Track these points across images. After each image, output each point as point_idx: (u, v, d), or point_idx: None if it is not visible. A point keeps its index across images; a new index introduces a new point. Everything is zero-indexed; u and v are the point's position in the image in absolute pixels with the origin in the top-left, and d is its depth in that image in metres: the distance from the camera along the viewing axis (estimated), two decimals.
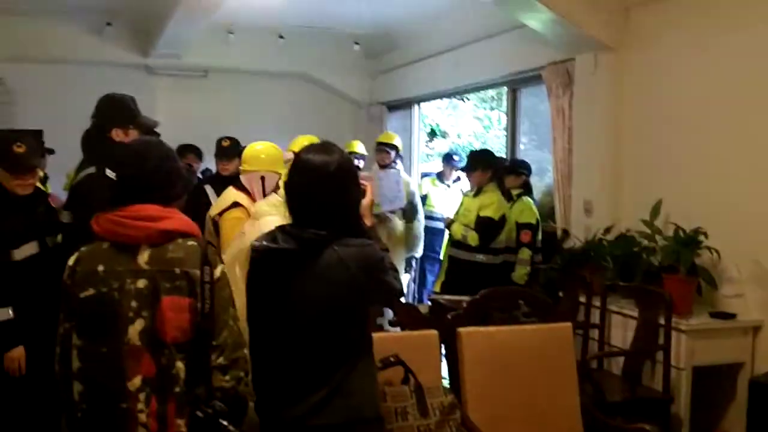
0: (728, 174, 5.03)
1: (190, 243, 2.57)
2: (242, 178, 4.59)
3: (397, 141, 7.89)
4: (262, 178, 4.49)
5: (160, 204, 2.59)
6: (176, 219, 2.62)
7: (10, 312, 3.84)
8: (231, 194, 4.54)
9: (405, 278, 7.11)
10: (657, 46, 5.65)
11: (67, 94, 8.81)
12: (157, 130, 4.43)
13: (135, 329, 2.47)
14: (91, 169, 3.95)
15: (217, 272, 2.57)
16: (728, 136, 5.04)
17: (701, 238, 4.82)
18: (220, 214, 4.44)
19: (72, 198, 4.02)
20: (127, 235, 2.53)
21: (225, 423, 2.49)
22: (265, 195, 4.45)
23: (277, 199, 3.90)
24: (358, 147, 8.06)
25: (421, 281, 8.46)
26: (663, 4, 5.61)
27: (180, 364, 2.49)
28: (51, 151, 6.87)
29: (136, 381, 2.46)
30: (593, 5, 5.87)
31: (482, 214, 6.16)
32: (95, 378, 2.50)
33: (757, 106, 4.86)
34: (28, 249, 3.97)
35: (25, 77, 9.43)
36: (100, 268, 2.52)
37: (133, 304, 2.49)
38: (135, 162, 2.64)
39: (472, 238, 6.16)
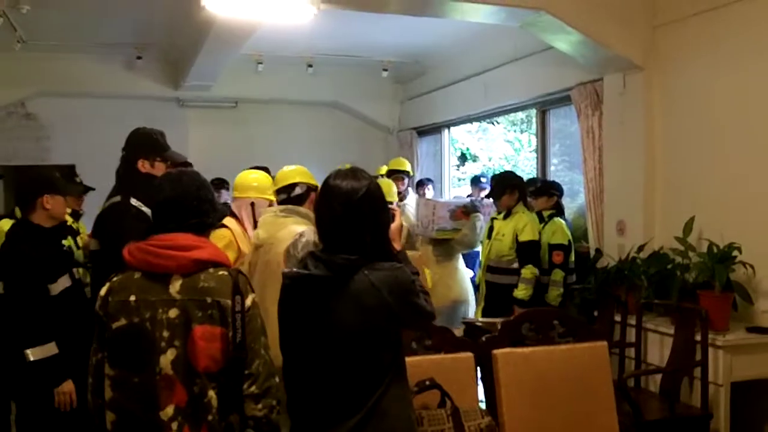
0: (760, 189, 4.98)
1: (222, 272, 2.60)
2: (233, 204, 4.77)
3: (408, 167, 7.93)
4: (252, 204, 4.67)
5: (194, 233, 2.64)
6: (208, 248, 2.65)
7: (54, 347, 3.85)
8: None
9: None
10: (685, 65, 5.64)
11: (99, 128, 9.00)
12: (189, 161, 4.52)
13: (167, 359, 2.51)
14: (116, 198, 4.05)
15: (248, 302, 2.60)
16: (758, 151, 5.00)
17: (735, 253, 4.79)
18: None
19: (98, 226, 4.11)
20: (159, 265, 2.56)
21: None
22: (255, 221, 4.59)
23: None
24: (408, 166, 8.02)
25: None
26: (690, 23, 5.59)
27: (212, 393, 2.52)
28: (91, 188, 6.92)
29: (169, 410, 2.49)
30: (621, 25, 5.86)
31: (522, 238, 6.11)
32: (128, 408, 2.53)
33: None
34: (63, 282, 4.01)
35: (57, 112, 9.65)
36: (132, 298, 2.55)
37: (165, 333, 2.52)
38: (172, 188, 2.68)
39: (530, 271, 6.05)
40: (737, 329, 4.84)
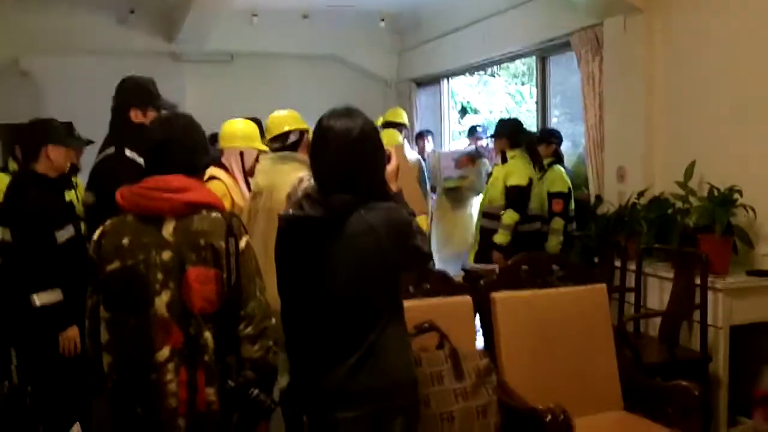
0: (762, 132, 4.93)
1: (215, 215, 2.61)
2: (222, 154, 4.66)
3: (404, 118, 7.55)
4: (241, 154, 4.58)
5: (185, 174, 2.62)
6: (200, 190, 2.66)
7: (60, 293, 3.88)
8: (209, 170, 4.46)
9: None
10: (686, 5, 5.55)
11: (94, 85, 8.80)
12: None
13: (162, 300, 2.52)
14: (110, 150, 4.04)
15: (242, 244, 2.61)
16: (760, 91, 4.94)
17: (736, 196, 4.75)
18: None
19: (93, 178, 4.09)
20: (152, 207, 2.56)
21: (256, 391, 2.57)
22: (244, 171, 4.56)
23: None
24: (404, 117, 7.66)
25: None
26: None
27: (208, 334, 2.54)
28: (90, 141, 6.86)
29: (165, 351, 2.51)
30: None
31: (509, 183, 6.12)
32: (124, 350, 2.56)
33: None
34: (68, 231, 4.03)
35: (51, 70, 9.51)
36: (125, 240, 2.56)
37: (159, 275, 2.53)
38: (163, 130, 2.70)
39: (510, 217, 6.08)
40: (737, 273, 4.81)
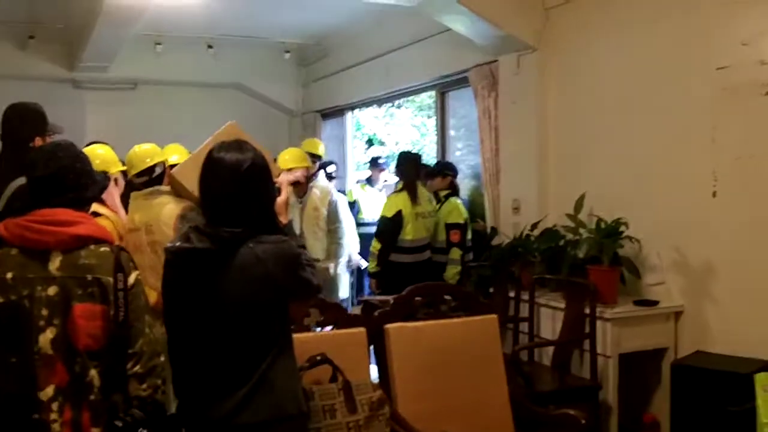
0: (646, 165, 5.17)
1: (103, 249, 2.55)
2: None
3: (321, 150, 7.31)
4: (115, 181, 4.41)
5: (72, 208, 2.57)
6: (89, 224, 2.60)
7: None
8: None
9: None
10: (577, 45, 5.78)
11: None
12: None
13: (46, 337, 2.44)
14: (21, 180, 3.91)
15: (131, 279, 2.57)
16: (645, 127, 5.18)
17: (622, 228, 4.94)
18: None
19: (5, 210, 3.96)
20: (37, 240, 2.49)
21: (144, 431, 2.50)
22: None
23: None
24: (321, 149, 7.37)
25: (359, 286, 8.47)
26: (581, 4, 5.75)
27: (94, 372, 2.47)
28: None
29: (49, 390, 2.43)
30: (514, 6, 5.98)
31: (381, 213, 6.43)
32: (6, 388, 2.45)
33: (671, 98, 5.00)
34: None
35: None
36: (9, 275, 2.47)
37: (44, 311, 2.45)
38: (47, 164, 2.59)
39: (373, 245, 6.41)
40: (625, 302, 4.99)
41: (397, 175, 6.53)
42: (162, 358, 2.61)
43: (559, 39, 5.95)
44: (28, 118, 4.06)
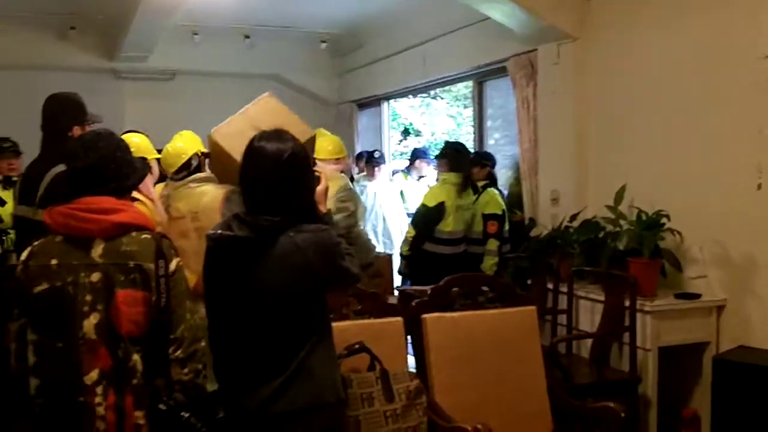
0: (689, 156, 5.09)
1: (145, 236, 2.58)
2: None
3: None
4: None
5: (114, 196, 2.60)
6: (130, 212, 2.63)
7: None
8: None
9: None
10: (617, 33, 5.70)
11: (32, 101, 8.70)
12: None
13: (90, 323, 2.48)
14: (60, 167, 3.93)
15: (172, 266, 2.58)
16: (688, 118, 5.10)
17: (663, 220, 4.87)
18: None
19: (47, 198, 3.99)
20: (81, 228, 2.52)
21: (186, 415, 2.51)
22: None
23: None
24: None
25: None
26: None
27: (136, 357, 2.50)
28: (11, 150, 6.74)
29: (93, 375, 2.47)
30: None
31: (421, 201, 6.40)
32: (51, 372, 2.51)
33: (714, 88, 4.92)
34: None
35: None
36: (54, 261, 2.52)
37: (88, 297, 2.49)
38: (89, 154, 2.61)
39: (408, 231, 6.41)
40: (666, 295, 4.93)
41: (446, 167, 6.43)
42: (203, 343, 2.64)
43: (599, 28, 5.88)
44: (66, 108, 4.09)
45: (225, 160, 3.89)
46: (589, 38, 5.93)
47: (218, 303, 2.69)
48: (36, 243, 2.60)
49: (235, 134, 3.73)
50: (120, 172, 2.65)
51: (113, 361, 2.49)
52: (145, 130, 4.49)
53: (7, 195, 6.06)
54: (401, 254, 6.46)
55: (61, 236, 2.55)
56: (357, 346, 3.32)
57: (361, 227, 6.24)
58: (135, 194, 3.95)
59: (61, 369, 2.50)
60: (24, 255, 2.60)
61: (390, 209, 8.49)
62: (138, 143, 4.36)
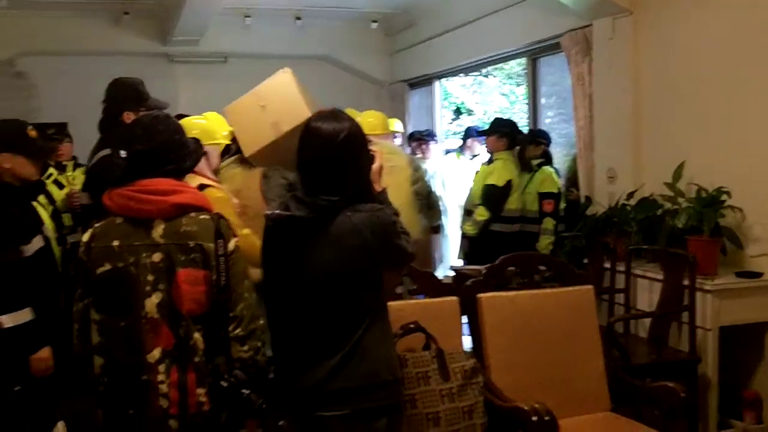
0: (750, 132, 4.95)
1: (203, 216, 2.63)
2: None
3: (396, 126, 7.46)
4: (204, 154, 4.10)
5: (172, 177, 2.66)
6: (189, 193, 2.69)
7: (30, 313, 3.60)
8: (190, 178, 3.80)
9: None
10: (675, 6, 5.56)
11: (89, 85, 8.80)
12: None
13: (152, 302, 2.54)
14: (105, 151, 3.99)
15: (231, 245, 2.63)
16: (749, 93, 4.96)
17: (724, 197, 4.77)
18: None
19: (89, 180, 4.05)
20: (141, 210, 2.58)
21: (247, 392, 2.57)
22: (212, 170, 4.22)
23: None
24: (396, 125, 7.67)
25: None
26: None
27: (198, 335, 2.56)
28: (56, 139, 6.79)
29: (156, 353, 2.53)
30: None
31: (487, 181, 6.33)
32: (115, 352, 2.58)
33: None
34: (35, 244, 3.75)
35: (46, 70, 9.57)
36: (116, 243, 2.58)
37: (150, 277, 2.55)
38: (144, 136, 2.67)
39: (480, 214, 6.32)
40: (726, 274, 4.82)
41: (504, 145, 6.42)
42: (261, 321, 2.69)
43: (654, 1, 5.74)
44: (119, 92, 4.17)
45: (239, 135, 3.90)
46: (644, 12, 5.81)
47: (275, 283, 2.71)
48: (97, 225, 2.65)
49: (241, 111, 3.79)
50: (178, 154, 2.71)
51: (175, 339, 2.54)
52: (198, 113, 4.49)
53: (63, 179, 6.17)
54: (465, 235, 6.41)
55: (122, 218, 2.60)
56: (412, 325, 3.34)
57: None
58: (207, 181, 3.96)
59: (125, 348, 2.56)
60: (86, 237, 2.65)
61: (446, 187, 8.46)
62: (203, 125, 4.30)
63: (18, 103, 9.39)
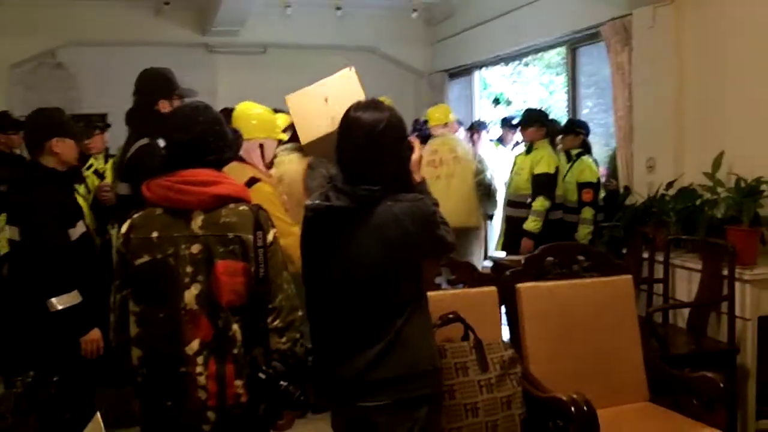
0: None
1: (242, 208, 2.60)
2: None
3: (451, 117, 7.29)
4: (261, 146, 4.14)
5: (212, 168, 2.64)
6: (228, 184, 2.65)
7: (78, 295, 3.69)
8: (242, 170, 3.93)
9: None
10: None
11: (129, 77, 8.93)
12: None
13: (191, 294, 2.52)
14: (144, 141, 4.04)
15: (270, 237, 2.60)
16: None
17: (763, 187, 4.73)
18: None
19: (129, 170, 4.09)
20: (180, 200, 2.56)
21: (285, 383, 2.55)
22: (265, 164, 4.22)
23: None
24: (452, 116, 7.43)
25: None
26: None
27: (236, 327, 2.54)
28: (108, 126, 6.90)
29: (194, 344, 2.52)
30: None
31: (537, 171, 6.27)
32: (154, 343, 2.57)
33: None
34: (79, 229, 3.84)
35: (86, 61, 9.69)
36: (155, 234, 2.56)
37: (189, 269, 2.53)
38: (185, 126, 2.65)
39: (541, 204, 6.22)
40: (765, 264, 4.78)
41: (541, 134, 6.45)
42: (299, 313, 2.65)
43: None
44: (151, 82, 4.21)
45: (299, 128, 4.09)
46: (685, 1, 5.76)
47: (316, 273, 2.74)
48: (135, 216, 2.63)
49: (303, 101, 4.03)
50: (218, 144, 2.67)
51: (214, 331, 2.52)
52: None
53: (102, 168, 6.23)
54: (529, 231, 6.21)
55: (161, 209, 2.59)
56: (451, 315, 3.34)
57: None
58: (259, 174, 3.92)
59: (163, 339, 2.54)
60: (124, 228, 2.63)
61: (496, 175, 8.43)
62: (262, 117, 4.27)
63: (58, 94, 9.52)
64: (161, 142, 3.64)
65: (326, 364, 2.73)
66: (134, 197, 3.88)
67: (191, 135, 2.63)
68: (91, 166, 6.05)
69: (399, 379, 2.62)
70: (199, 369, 2.51)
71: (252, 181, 3.81)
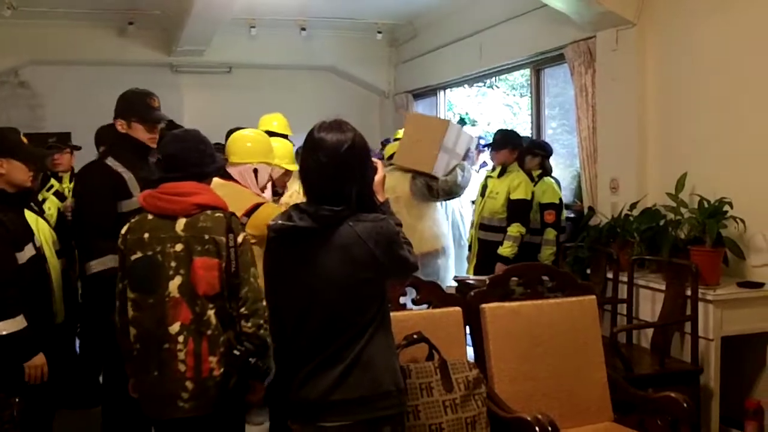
0: (751, 143, 4.97)
1: (218, 215, 3.13)
2: (231, 170, 4.08)
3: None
4: (255, 171, 4.12)
5: (195, 180, 3.16)
6: (206, 194, 3.19)
7: (23, 320, 3.57)
8: (244, 194, 4.01)
9: None
10: (678, 18, 5.59)
11: (93, 95, 8.79)
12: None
13: (175, 284, 3.06)
14: (93, 160, 4.23)
15: (240, 239, 3.12)
16: (750, 104, 4.98)
17: (726, 208, 4.78)
18: (247, 215, 3.84)
19: (74, 185, 4.35)
20: (166, 208, 3.12)
21: (253, 360, 3.03)
22: (261, 188, 4.18)
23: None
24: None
25: None
26: None
27: (211, 313, 3.07)
28: (77, 147, 6.89)
29: (176, 326, 3.05)
30: None
31: (514, 196, 6.24)
32: (144, 324, 3.10)
33: None
34: (29, 251, 3.74)
35: (50, 80, 9.63)
36: (146, 235, 3.12)
37: (173, 264, 3.07)
38: (175, 145, 3.23)
39: (518, 230, 6.20)
40: (728, 284, 4.83)
41: (513, 158, 6.46)
42: (264, 303, 3.03)
43: (659, 13, 5.76)
44: (118, 101, 4.23)
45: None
46: (648, 23, 5.83)
47: (279, 293, 2.72)
48: (133, 220, 3.19)
49: (408, 153, 6.06)
50: (201, 161, 3.21)
51: (192, 315, 3.05)
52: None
53: (63, 189, 6.17)
54: (505, 257, 6.14)
55: (152, 214, 3.14)
56: (415, 335, 3.34)
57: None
58: (259, 200, 4.00)
59: (152, 321, 3.07)
60: (123, 230, 3.19)
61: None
62: (258, 140, 4.29)
63: (22, 113, 9.47)
64: (110, 161, 4.05)
65: (290, 384, 2.70)
66: (75, 210, 4.16)
67: (176, 151, 3.20)
68: (51, 187, 5.99)
69: (362, 400, 2.60)
70: (179, 346, 3.04)
71: (256, 207, 3.90)
